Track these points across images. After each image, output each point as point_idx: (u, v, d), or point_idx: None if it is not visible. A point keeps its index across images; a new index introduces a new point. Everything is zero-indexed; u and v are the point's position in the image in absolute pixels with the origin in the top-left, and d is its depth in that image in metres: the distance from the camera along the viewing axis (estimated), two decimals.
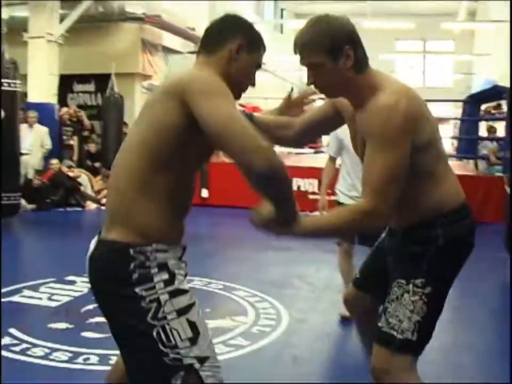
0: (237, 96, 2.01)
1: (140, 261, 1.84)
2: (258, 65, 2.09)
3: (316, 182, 10.81)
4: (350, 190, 4.49)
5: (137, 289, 1.83)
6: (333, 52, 2.10)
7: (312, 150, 16.23)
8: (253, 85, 2.10)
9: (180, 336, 1.84)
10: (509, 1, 13.79)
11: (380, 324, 2.27)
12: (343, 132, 4.56)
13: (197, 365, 1.84)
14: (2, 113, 8.09)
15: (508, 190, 7.02)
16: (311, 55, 2.14)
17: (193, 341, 1.86)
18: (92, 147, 12.21)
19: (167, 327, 1.83)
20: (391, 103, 2.07)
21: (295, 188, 10.92)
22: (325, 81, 2.17)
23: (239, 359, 3.73)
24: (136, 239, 1.86)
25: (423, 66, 28.54)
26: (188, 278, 1.96)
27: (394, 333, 2.21)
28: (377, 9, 20.48)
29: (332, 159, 4.71)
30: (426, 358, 2.79)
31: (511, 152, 9.40)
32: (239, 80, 2.04)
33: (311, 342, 4.10)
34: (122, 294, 1.85)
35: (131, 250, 1.85)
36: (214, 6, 17.70)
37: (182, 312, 1.87)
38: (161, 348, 1.82)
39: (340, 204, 4.45)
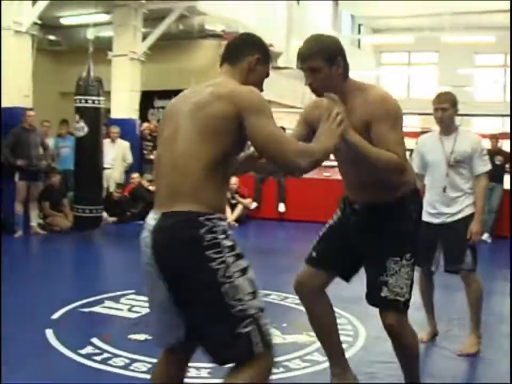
0: None
1: (208, 227, 2.19)
2: (267, 75, 2.58)
3: None
4: (427, 206, 4.20)
5: (207, 253, 2.17)
6: (329, 60, 2.75)
7: None
8: (262, 90, 2.53)
9: (244, 291, 2.19)
10: None
11: (383, 294, 2.95)
12: (425, 146, 4.45)
13: (257, 314, 2.20)
14: (86, 129, 8.36)
15: None
16: (313, 61, 2.76)
17: (254, 294, 2.23)
18: None
19: (234, 283, 2.18)
20: (387, 94, 2.85)
21: None
22: (319, 83, 2.78)
23: (315, 375, 3.73)
24: (203, 209, 2.20)
25: (504, 81, 27.77)
26: None
27: (399, 298, 2.93)
28: (456, 23, 20.11)
29: (419, 177, 4.26)
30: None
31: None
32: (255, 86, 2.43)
33: (389, 360, 4.03)
34: (195, 256, 2.17)
35: (200, 218, 2.19)
36: (292, 22, 17.81)
37: (244, 271, 2.22)
38: (229, 301, 2.16)
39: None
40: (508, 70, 27.17)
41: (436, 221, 4.27)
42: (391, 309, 2.95)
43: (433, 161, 4.29)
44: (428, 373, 3.81)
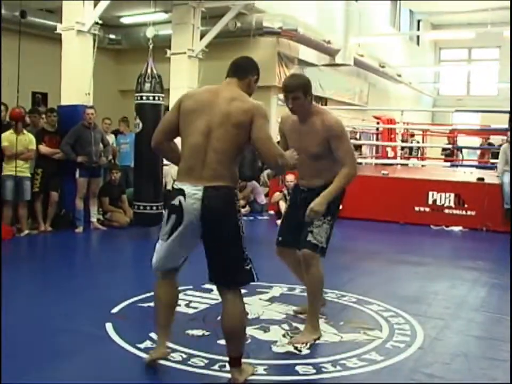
0: None
1: (236, 195, 3.37)
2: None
3: (452, 196, 10.50)
4: None
5: (237, 210, 3.35)
6: (306, 93, 4.15)
7: (448, 164, 15.77)
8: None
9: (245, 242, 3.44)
10: None
11: (308, 239, 4.21)
12: None
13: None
14: (141, 125, 8.43)
15: None
16: (296, 92, 4.14)
17: None
18: None
19: (245, 234, 3.37)
20: (337, 118, 4.27)
21: (430, 201, 10.67)
22: (297, 107, 4.20)
23: (373, 374, 3.70)
24: (233, 184, 3.37)
25: None
26: None
27: (318, 243, 4.22)
28: None
29: None
30: None
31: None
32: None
33: (447, 361, 3.98)
34: (234, 213, 3.32)
35: (235, 190, 3.38)
36: (350, 19, 17.68)
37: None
38: (243, 245, 3.37)
39: None
40: None
41: None
42: (310, 248, 4.21)
43: None
44: (484, 374, 3.76)
